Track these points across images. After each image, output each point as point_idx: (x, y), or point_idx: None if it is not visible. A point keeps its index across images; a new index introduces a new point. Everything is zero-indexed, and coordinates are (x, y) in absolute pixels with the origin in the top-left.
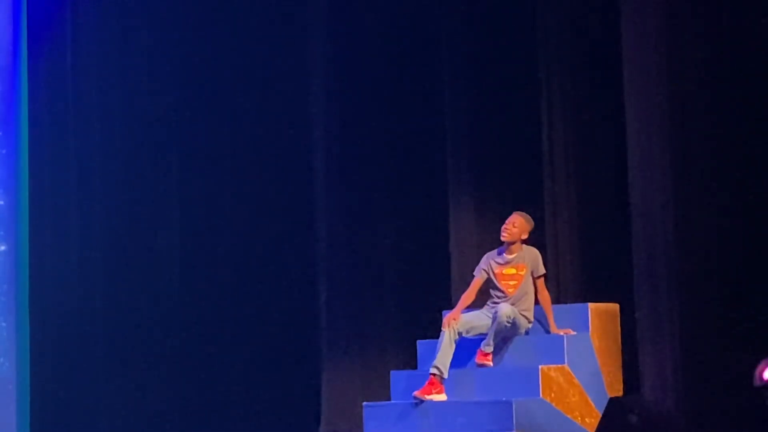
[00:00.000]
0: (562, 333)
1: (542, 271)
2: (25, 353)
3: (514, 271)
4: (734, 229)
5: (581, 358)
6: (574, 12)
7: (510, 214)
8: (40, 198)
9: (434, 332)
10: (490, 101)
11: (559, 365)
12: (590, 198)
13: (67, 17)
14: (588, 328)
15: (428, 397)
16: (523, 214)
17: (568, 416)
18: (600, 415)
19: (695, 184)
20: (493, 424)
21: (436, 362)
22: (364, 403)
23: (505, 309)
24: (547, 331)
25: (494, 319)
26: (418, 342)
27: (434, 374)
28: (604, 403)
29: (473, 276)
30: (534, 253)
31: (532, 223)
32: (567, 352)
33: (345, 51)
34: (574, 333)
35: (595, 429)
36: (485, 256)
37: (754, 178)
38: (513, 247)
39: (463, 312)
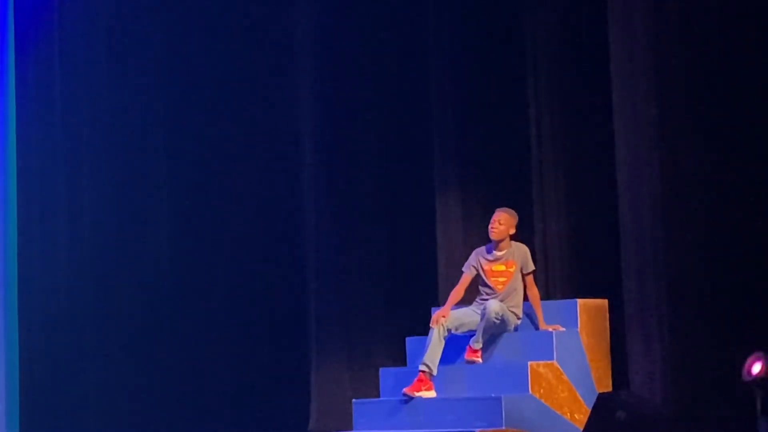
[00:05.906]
0: (550, 329)
1: (531, 267)
2: (14, 354)
3: (503, 267)
4: (722, 226)
5: (570, 354)
6: (562, 10)
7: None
8: (28, 199)
9: (423, 329)
10: (478, 98)
11: (548, 361)
12: (579, 194)
13: (54, 16)
14: (577, 324)
15: (417, 394)
16: (507, 209)
17: (557, 412)
18: (589, 411)
19: (684, 180)
20: (483, 421)
21: (425, 359)
22: (354, 400)
23: (493, 306)
24: (536, 328)
25: (483, 315)
26: (407, 339)
27: (423, 371)
28: (593, 398)
29: (462, 272)
30: (523, 249)
31: (517, 216)
32: (556, 348)
33: (332, 50)
34: (563, 329)
35: (584, 425)
36: (474, 252)
37: (743, 175)
38: (502, 243)
39: (452, 309)
